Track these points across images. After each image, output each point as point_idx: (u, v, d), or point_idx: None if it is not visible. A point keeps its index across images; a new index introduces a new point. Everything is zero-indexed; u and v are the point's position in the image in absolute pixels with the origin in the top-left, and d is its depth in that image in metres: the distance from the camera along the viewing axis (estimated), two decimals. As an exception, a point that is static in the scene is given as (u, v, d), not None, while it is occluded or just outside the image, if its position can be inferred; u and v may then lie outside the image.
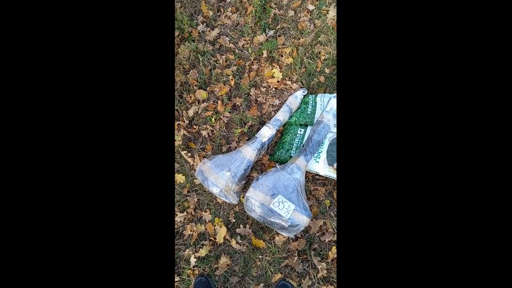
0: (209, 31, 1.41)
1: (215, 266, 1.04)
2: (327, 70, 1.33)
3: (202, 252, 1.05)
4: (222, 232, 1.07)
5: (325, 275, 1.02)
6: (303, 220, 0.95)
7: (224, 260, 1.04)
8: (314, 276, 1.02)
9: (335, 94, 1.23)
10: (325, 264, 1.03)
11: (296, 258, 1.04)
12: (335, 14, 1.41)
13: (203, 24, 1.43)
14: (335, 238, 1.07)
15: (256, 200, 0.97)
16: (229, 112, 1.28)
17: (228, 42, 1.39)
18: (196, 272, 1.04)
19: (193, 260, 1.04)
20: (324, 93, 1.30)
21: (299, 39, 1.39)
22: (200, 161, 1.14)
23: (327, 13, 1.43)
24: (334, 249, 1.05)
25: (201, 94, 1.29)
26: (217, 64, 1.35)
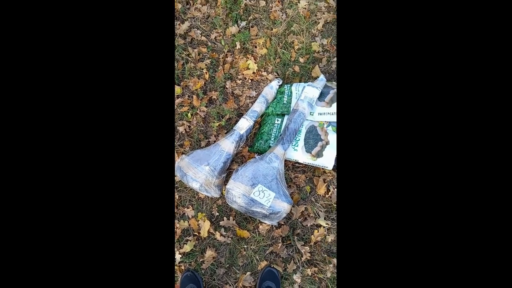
0: (179, 24, 1.37)
1: (201, 260, 1.05)
2: (301, 60, 1.35)
3: (187, 248, 1.05)
4: (206, 226, 1.07)
5: (308, 258, 1.05)
6: (284, 207, 0.97)
7: (209, 253, 1.04)
8: (298, 260, 1.06)
9: (309, 83, 1.25)
10: (308, 248, 1.06)
11: (280, 245, 1.06)
12: (306, 3, 1.42)
13: (172, 17, 1.39)
14: (317, 222, 1.10)
15: (236, 191, 0.97)
16: (206, 106, 1.26)
17: (200, 35, 1.37)
18: (182, 267, 1.04)
19: (178, 257, 1.04)
20: (300, 82, 1.31)
21: (271, 29, 1.39)
22: (178, 157, 1.13)
23: (298, 2, 1.44)
24: (316, 232, 1.08)
25: (175, 89, 1.26)
26: (189, 58, 1.32)
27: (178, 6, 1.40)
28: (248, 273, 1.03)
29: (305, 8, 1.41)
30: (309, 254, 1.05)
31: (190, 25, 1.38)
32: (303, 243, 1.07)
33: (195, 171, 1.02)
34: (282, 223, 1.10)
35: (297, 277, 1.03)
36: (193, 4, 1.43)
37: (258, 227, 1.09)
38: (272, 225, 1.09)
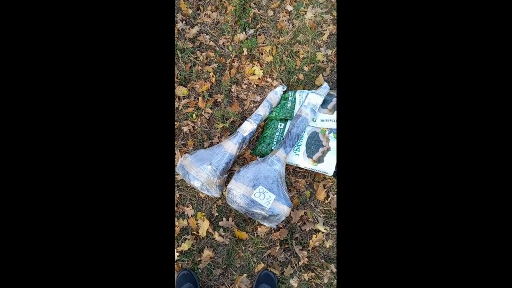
0: (189, 29, 1.42)
1: (198, 260, 1.05)
2: (306, 68, 1.39)
3: (185, 246, 1.05)
4: (204, 226, 1.07)
5: (306, 263, 1.05)
6: (283, 209, 0.98)
7: (207, 253, 1.04)
8: (295, 265, 1.06)
9: (313, 90, 1.28)
10: (306, 253, 1.06)
11: (278, 248, 1.07)
12: (313, 15, 1.48)
13: (182, 22, 1.44)
14: (315, 227, 1.11)
15: (237, 191, 0.99)
16: (211, 108, 1.29)
17: (209, 40, 1.41)
18: (179, 266, 1.03)
19: (175, 255, 1.03)
20: (303, 89, 1.35)
21: (278, 38, 1.44)
22: (181, 156, 1.14)
23: (305, 13, 1.50)
24: (314, 237, 1.09)
25: (182, 90, 1.30)
26: (197, 61, 1.36)
27: (189, 11, 1.45)
28: (245, 275, 1.03)
29: (311, 20, 1.47)
30: (306, 259, 1.05)
31: (200, 30, 1.43)
32: (301, 248, 1.07)
33: (197, 170, 1.03)
34: (281, 226, 1.11)
35: (294, 282, 1.02)
36: (203, 10, 1.48)
37: (257, 229, 1.09)
38: (271, 228, 1.09)
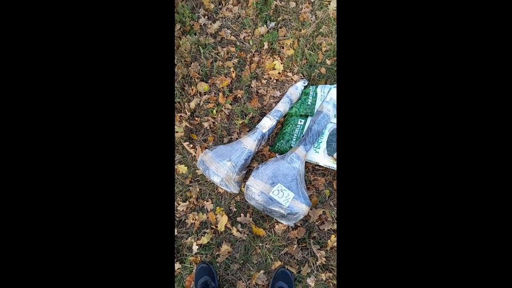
0: (211, 24, 1.42)
1: (216, 254, 1.07)
2: (328, 62, 1.33)
3: (204, 240, 1.08)
4: (223, 221, 1.09)
5: (324, 262, 1.03)
6: (302, 208, 0.96)
7: (225, 247, 1.06)
8: (313, 264, 1.04)
9: (335, 85, 1.23)
10: (324, 252, 1.04)
11: (295, 246, 1.06)
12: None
13: (204, 17, 1.44)
14: (334, 227, 1.08)
15: (256, 188, 0.98)
16: (230, 104, 1.29)
17: (230, 35, 1.40)
18: (198, 259, 1.07)
19: (195, 248, 1.07)
20: (325, 84, 1.30)
21: (300, 30, 1.39)
22: (202, 152, 1.16)
23: (329, 4, 1.42)
24: (333, 237, 1.06)
25: (203, 86, 1.31)
26: (218, 57, 1.36)
27: (211, 6, 1.45)
28: (262, 271, 1.04)
29: (335, 10, 1.40)
30: (324, 259, 1.03)
31: (221, 24, 1.42)
32: (319, 247, 1.05)
33: (217, 165, 1.05)
34: (299, 224, 1.09)
35: (310, 281, 1.01)
36: (225, 5, 1.47)
37: (274, 226, 1.09)
38: (288, 226, 1.08)
